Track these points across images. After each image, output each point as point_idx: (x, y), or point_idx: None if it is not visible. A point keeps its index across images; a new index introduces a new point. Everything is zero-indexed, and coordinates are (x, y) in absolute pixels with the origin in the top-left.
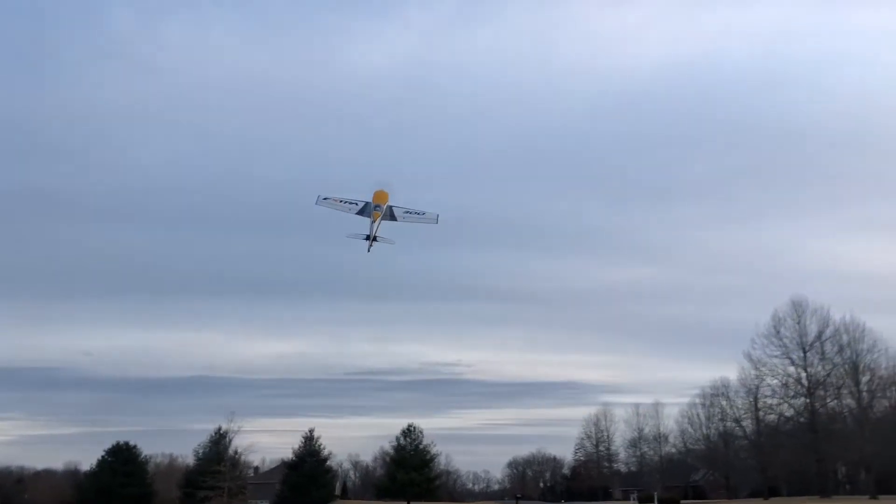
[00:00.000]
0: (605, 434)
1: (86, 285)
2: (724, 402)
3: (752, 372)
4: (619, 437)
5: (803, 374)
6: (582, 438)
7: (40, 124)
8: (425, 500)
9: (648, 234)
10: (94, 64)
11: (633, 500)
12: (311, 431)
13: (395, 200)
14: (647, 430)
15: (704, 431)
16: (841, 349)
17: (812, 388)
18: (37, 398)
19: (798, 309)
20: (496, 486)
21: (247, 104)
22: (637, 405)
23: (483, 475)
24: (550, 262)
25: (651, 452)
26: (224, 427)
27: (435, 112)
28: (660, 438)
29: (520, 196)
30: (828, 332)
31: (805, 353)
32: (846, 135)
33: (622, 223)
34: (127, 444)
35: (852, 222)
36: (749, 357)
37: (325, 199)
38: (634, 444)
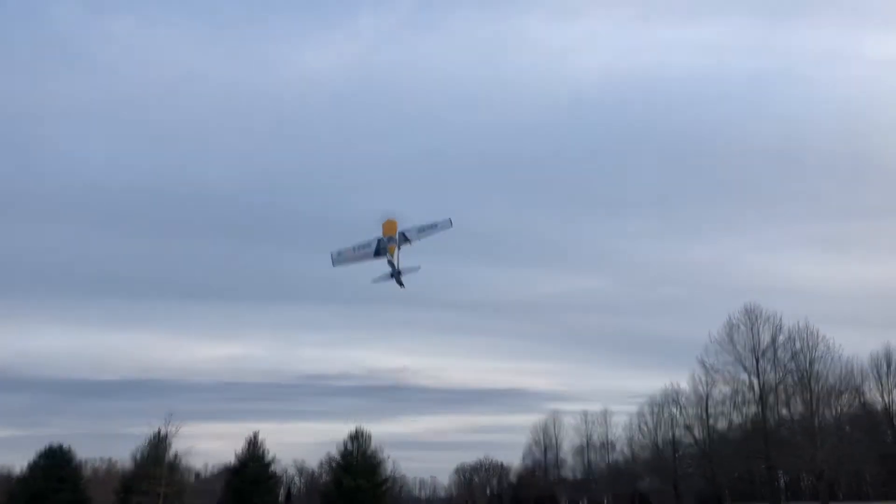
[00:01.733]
0: (554, 440)
1: (21, 284)
2: (674, 410)
3: (704, 378)
4: (568, 444)
5: (755, 382)
6: (530, 445)
7: None
8: None
9: (598, 245)
10: (37, 58)
11: None
12: (254, 435)
13: (403, 223)
14: (594, 437)
15: (652, 438)
16: (794, 356)
17: (764, 395)
18: None
19: (751, 316)
20: (443, 493)
21: (192, 104)
22: (585, 413)
23: (430, 481)
24: (499, 272)
25: (598, 460)
26: (163, 430)
27: (384, 118)
28: (607, 446)
29: (469, 204)
30: (780, 339)
31: (757, 360)
32: (784, 151)
33: (572, 233)
34: (60, 446)
35: (792, 238)
36: (702, 363)
37: (338, 254)
38: (581, 451)
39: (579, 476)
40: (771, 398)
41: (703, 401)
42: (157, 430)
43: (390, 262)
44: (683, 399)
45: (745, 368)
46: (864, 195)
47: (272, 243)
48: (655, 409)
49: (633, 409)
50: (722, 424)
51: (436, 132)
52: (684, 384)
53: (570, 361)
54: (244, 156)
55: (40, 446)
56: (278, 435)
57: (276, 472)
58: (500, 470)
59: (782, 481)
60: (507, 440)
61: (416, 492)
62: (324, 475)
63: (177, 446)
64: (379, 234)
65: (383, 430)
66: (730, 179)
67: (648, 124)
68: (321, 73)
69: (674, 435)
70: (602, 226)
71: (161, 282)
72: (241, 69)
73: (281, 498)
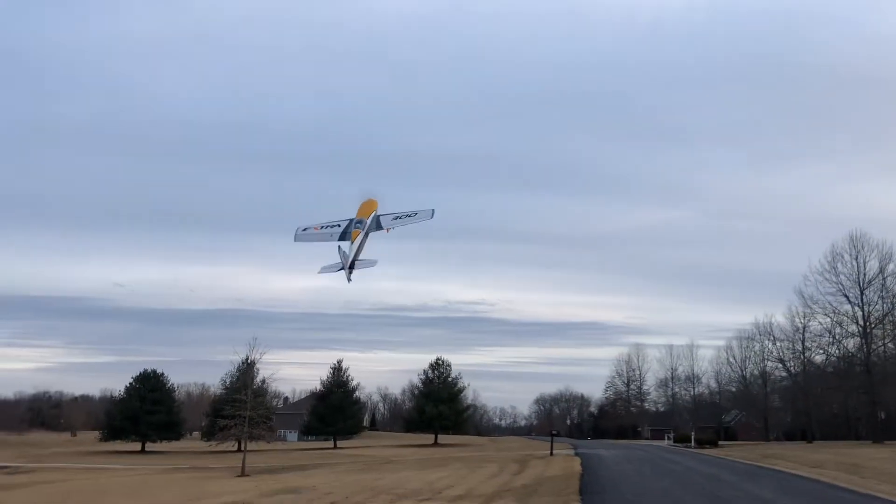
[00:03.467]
0: (637, 373)
1: (120, 219)
2: (766, 342)
3: (801, 310)
4: (651, 377)
5: (860, 313)
6: (613, 377)
7: (61, 57)
8: (453, 433)
9: (678, 177)
10: None
11: (668, 439)
12: (338, 363)
13: (387, 206)
14: (679, 370)
15: (740, 372)
16: None
17: (868, 327)
18: (74, 328)
19: (857, 244)
20: (523, 422)
21: (268, 38)
22: (670, 346)
23: (510, 411)
24: (577, 205)
25: (683, 393)
26: (250, 356)
27: (449, 53)
28: (692, 379)
29: (544, 137)
30: (890, 267)
31: (862, 290)
32: (875, 75)
33: (650, 165)
34: (154, 371)
35: (886, 165)
36: (801, 294)
37: (303, 231)
38: (666, 384)
39: (662, 409)
40: (877, 331)
41: (800, 333)
42: (244, 356)
43: (341, 251)
44: (777, 331)
45: (848, 299)
46: None
47: (355, 177)
48: (744, 343)
49: (719, 343)
50: (819, 358)
51: (510, 67)
52: (778, 317)
53: (650, 295)
54: (321, 90)
55: (137, 372)
56: (362, 363)
57: (360, 398)
58: (581, 401)
59: (881, 417)
60: (586, 373)
61: (497, 420)
62: (406, 402)
63: (264, 372)
64: (353, 215)
65: (462, 361)
66: (817, 106)
67: (730, 52)
68: (387, 7)
69: (764, 368)
70: (683, 158)
71: (247, 216)
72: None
73: (365, 423)
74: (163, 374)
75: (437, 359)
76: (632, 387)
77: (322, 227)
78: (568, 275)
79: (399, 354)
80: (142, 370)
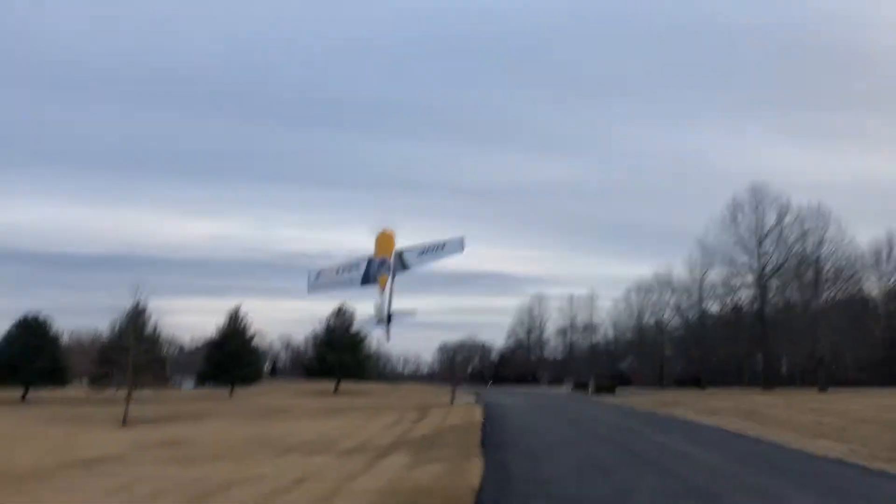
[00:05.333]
0: (539, 322)
1: (10, 157)
2: (664, 293)
3: (700, 261)
4: (552, 326)
5: (756, 264)
6: (514, 326)
7: None
8: (355, 381)
9: (585, 129)
10: None
11: (567, 386)
12: (235, 309)
13: (405, 237)
14: (578, 319)
15: (637, 320)
16: (802, 236)
17: (763, 277)
18: None
19: (757, 195)
20: (426, 370)
21: None
22: (571, 296)
23: (413, 359)
24: (483, 155)
25: (581, 341)
26: (141, 302)
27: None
28: (591, 328)
29: (453, 85)
30: (787, 219)
31: (760, 241)
32: (776, 35)
33: (560, 118)
34: (36, 317)
35: (780, 127)
36: (701, 245)
37: (317, 276)
38: (565, 332)
39: (561, 357)
40: (772, 283)
41: (698, 283)
42: (135, 302)
43: (377, 307)
44: (676, 282)
45: (746, 250)
46: (855, 83)
47: (258, 121)
48: (642, 293)
49: (619, 294)
50: (715, 308)
51: (416, 14)
52: (678, 269)
53: (556, 248)
54: (231, 27)
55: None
56: (263, 311)
57: (258, 347)
58: (483, 349)
59: (766, 366)
60: (490, 321)
61: (400, 368)
62: (309, 350)
63: (157, 319)
64: (370, 252)
65: (366, 309)
66: (721, 64)
67: (637, 6)
68: None
69: (662, 318)
70: (590, 110)
71: (143, 157)
72: None
73: (266, 370)
74: (45, 318)
75: (340, 307)
76: (532, 335)
77: (339, 270)
78: (474, 225)
79: (303, 303)
80: (22, 315)
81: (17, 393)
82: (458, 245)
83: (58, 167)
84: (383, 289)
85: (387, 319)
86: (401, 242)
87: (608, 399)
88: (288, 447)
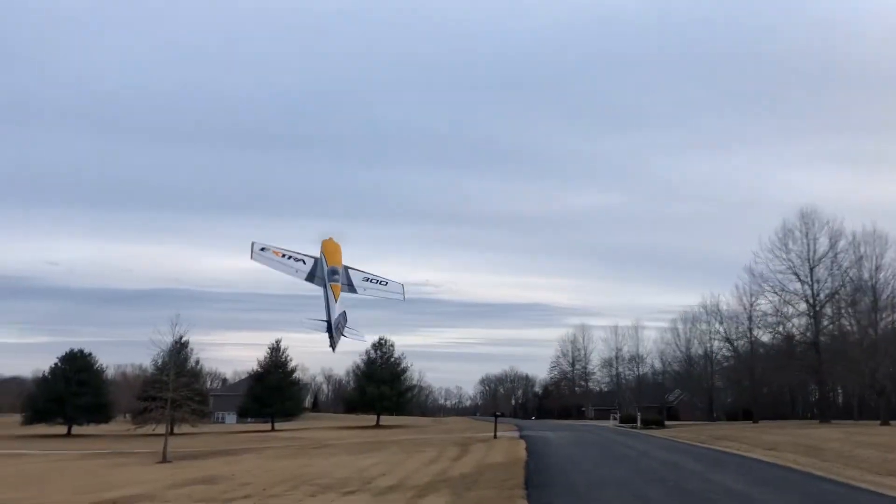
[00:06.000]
0: (583, 353)
1: (52, 196)
2: (714, 321)
3: (749, 288)
4: (597, 357)
5: (809, 291)
6: (558, 357)
7: None
8: (396, 414)
9: (620, 159)
10: None
11: (614, 419)
12: (277, 342)
13: (349, 253)
14: (624, 350)
15: (685, 351)
16: (858, 261)
17: (818, 305)
18: (5, 307)
19: (807, 220)
20: (468, 402)
21: (217, 16)
22: (615, 326)
23: (455, 391)
24: (520, 186)
25: (627, 373)
26: (175, 336)
27: (405, 26)
28: (637, 359)
29: (491, 119)
30: (841, 244)
31: (812, 268)
32: (816, 66)
33: (593, 148)
34: (81, 351)
35: (820, 154)
36: (751, 272)
37: (261, 250)
38: (610, 364)
39: (606, 389)
40: (826, 310)
41: (747, 312)
42: (177, 337)
43: (339, 316)
44: (725, 310)
45: (798, 277)
46: None
47: (296, 158)
48: (688, 324)
49: (664, 324)
50: (766, 338)
51: (458, 42)
52: (725, 298)
53: (594, 278)
54: (271, 69)
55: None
56: (307, 344)
57: (299, 379)
58: (526, 381)
59: (821, 398)
60: (532, 353)
61: (442, 400)
62: (350, 383)
63: (199, 353)
64: (317, 253)
65: (408, 342)
66: (763, 90)
67: (666, 37)
68: None
69: (711, 348)
70: (625, 140)
71: (184, 194)
72: None
73: (308, 404)
74: (90, 353)
75: (380, 339)
76: (577, 367)
77: (284, 255)
78: (513, 257)
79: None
80: (67, 350)
81: (62, 428)
82: (399, 290)
83: (99, 206)
84: (337, 298)
85: (338, 328)
86: (347, 261)
87: (656, 433)
88: (324, 486)
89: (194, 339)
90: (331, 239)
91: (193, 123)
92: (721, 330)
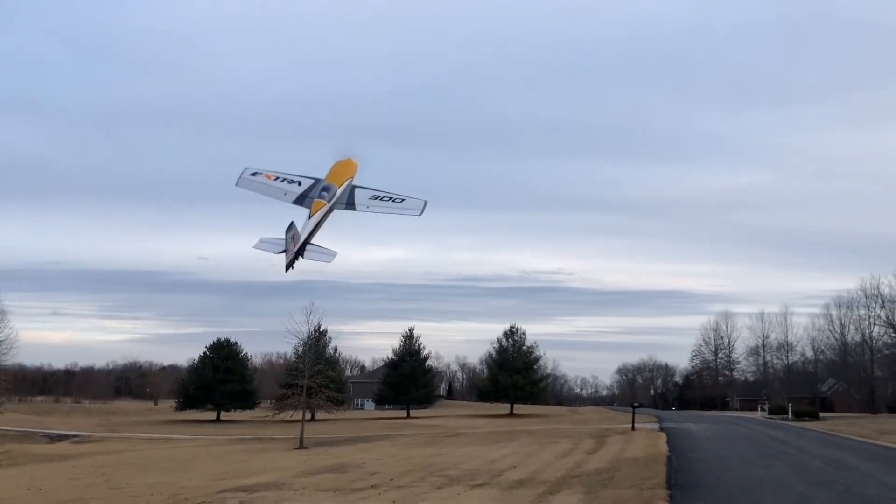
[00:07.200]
0: (726, 341)
1: (203, 196)
2: (873, 306)
3: None
4: (741, 346)
5: None
6: (699, 345)
7: (141, 36)
8: (529, 403)
9: (765, 137)
10: None
11: (762, 410)
12: (410, 331)
13: (365, 177)
14: (772, 337)
15: (840, 339)
16: None
17: None
18: (163, 300)
19: None
20: (604, 392)
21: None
22: (762, 313)
23: (591, 380)
24: (658, 169)
25: (775, 362)
26: (310, 325)
27: (527, 10)
28: (786, 347)
29: (624, 100)
30: None
31: None
32: None
33: (735, 127)
34: (227, 340)
35: None
36: None
37: (252, 175)
38: (756, 352)
39: (752, 378)
40: None
41: None
42: (317, 326)
43: (292, 229)
44: (887, 293)
45: None
46: None
47: (435, 150)
48: (843, 309)
49: (814, 310)
50: None
51: (586, 21)
52: (888, 279)
53: (735, 262)
54: (399, 59)
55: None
56: (441, 333)
57: (432, 367)
58: (665, 370)
59: None
60: (669, 342)
61: (578, 390)
62: (484, 371)
63: (337, 342)
64: (323, 175)
65: (541, 331)
66: None
67: (814, 9)
68: None
69: (870, 334)
70: (770, 117)
71: None
72: None
73: (442, 392)
74: (236, 342)
75: (511, 327)
76: (720, 355)
77: (277, 177)
78: (649, 242)
79: (478, 324)
80: (215, 339)
81: (212, 414)
82: (418, 207)
83: (244, 203)
84: (311, 215)
85: (299, 250)
86: (362, 181)
87: (811, 426)
88: (452, 477)
89: (332, 328)
90: (349, 159)
91: (327, 120)
92: (882, 315)
